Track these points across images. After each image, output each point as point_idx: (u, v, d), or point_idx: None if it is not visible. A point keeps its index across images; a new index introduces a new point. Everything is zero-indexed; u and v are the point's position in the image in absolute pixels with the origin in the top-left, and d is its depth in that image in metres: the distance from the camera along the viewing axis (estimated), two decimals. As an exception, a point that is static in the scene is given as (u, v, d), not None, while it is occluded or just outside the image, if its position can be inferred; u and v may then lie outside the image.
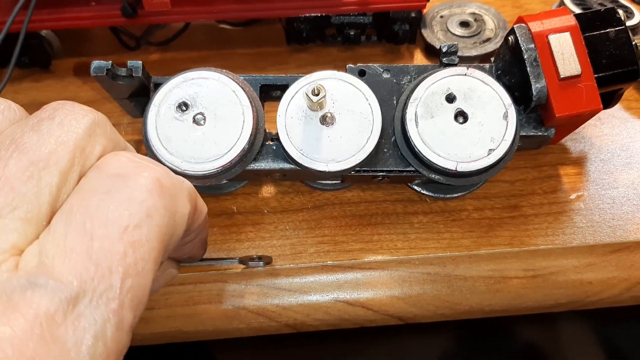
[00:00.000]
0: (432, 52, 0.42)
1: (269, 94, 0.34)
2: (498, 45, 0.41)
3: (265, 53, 0.43)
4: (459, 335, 0.99)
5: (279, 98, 0.32)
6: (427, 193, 0.35)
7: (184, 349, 0.60)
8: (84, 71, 0.42)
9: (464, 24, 0.43)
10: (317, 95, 0.30)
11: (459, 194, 0.35)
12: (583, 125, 0.37)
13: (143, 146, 0.37)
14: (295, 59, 0.43)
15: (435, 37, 0.42)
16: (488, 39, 0.42)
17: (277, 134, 0.33)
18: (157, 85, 0.32)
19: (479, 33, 0.42)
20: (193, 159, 0.30)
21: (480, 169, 0.30)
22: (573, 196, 0.35)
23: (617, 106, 0.39)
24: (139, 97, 0.34)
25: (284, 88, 0.32)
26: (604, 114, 0.38)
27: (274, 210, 0.35)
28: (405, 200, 0.35)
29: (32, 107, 0.39)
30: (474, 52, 0.41)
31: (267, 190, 0.36)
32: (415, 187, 0.35)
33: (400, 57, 0.43)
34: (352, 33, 0.42)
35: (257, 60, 0.43)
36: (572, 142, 0.37)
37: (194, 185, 0.22)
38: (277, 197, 0.35)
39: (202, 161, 0.30)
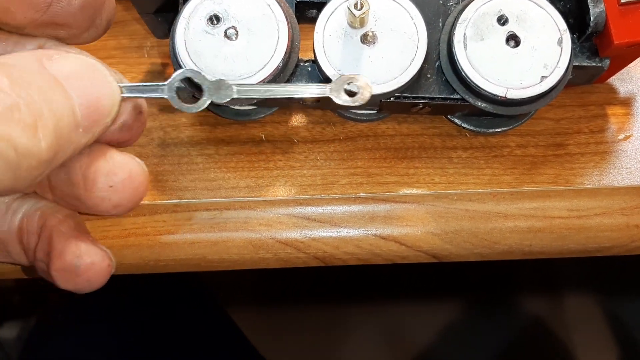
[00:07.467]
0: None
1: (303, 14, 0.32)
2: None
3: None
4: (463, 307, 0.98)
5: (313, 20, 0.30)
6: (467, 127, 0.33)
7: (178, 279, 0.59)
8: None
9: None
10: (360, 9, 0.28)
11: (502, 129, 0.33)
12: (632, 66, 0.35)
13: (170, 67, 0.35)
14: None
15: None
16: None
17: (309, 59, 0.31)
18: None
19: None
20: (223, 76, 0.28)
21: (532, 96, 0.28)
22: (621, 136, 0.33)
23: (669, 48, 0.36)
24: (166, 12, 0.32)
25: (320, 6, 0.30)
26: (655, 55, 0.36)
27: (304, 140, 0.33)
28: (444, 135, 0.33)
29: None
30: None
31: (297, 120, 0.34)
32: (456, 120, 0.33)
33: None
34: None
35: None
36: (620, 82, 0.35)
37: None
38: (308, 127, 0.33)
39: (233, 79, 0.28)
